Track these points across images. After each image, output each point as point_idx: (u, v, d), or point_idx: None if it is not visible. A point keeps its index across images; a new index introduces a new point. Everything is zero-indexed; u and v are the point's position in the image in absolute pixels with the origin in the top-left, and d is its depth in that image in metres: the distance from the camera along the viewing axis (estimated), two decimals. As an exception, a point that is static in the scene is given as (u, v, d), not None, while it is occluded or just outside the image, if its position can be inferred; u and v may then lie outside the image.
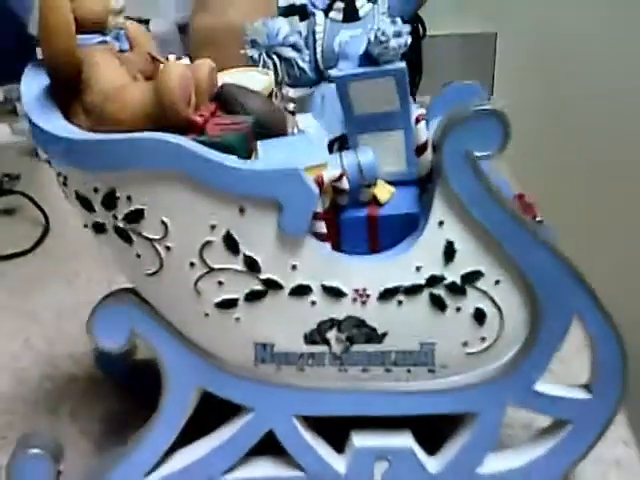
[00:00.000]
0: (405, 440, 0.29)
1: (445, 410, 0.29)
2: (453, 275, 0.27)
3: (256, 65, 0.34)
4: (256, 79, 0.31)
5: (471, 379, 0.28)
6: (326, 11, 0.43)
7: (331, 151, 0.31)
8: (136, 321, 0.28)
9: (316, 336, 0.27)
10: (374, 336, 0.27)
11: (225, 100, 0.28)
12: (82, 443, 0.36)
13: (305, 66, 0.32)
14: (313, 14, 0.40)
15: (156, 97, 0.24)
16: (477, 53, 1.06)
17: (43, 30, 0.24)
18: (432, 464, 0.29)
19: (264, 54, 0.32)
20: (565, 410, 0.28)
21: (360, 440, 0.29)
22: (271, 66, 0.32)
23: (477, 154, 0.25)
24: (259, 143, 0.26)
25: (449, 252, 0.26)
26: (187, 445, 0.31)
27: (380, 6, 0.43)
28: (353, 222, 0.27)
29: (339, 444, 0.30)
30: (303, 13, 0.47)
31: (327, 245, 0.27)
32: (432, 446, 0.30)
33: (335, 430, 0.30)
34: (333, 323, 0.27)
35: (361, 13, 0.44)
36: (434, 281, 0.27)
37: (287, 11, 0.48)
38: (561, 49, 1.04)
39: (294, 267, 0.26)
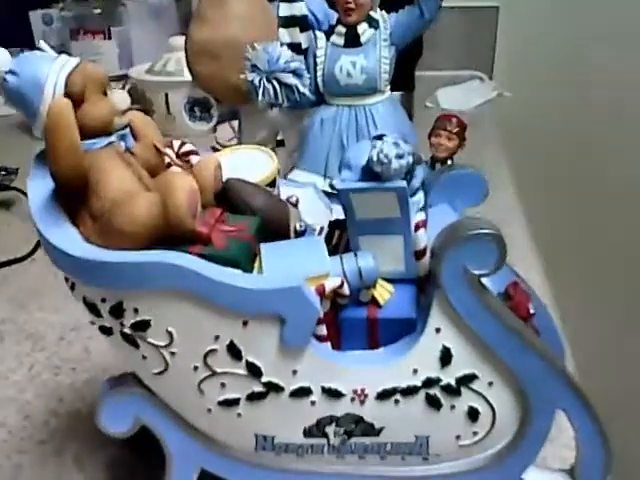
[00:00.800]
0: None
1: (437, 495, 0.30)
2: (449, 377, 0.28)
3: (256, 90, 0.34)
4: (260, 163, 0.31)
5: (462, 467, 0.30)
6: (327, 34, 0.44)
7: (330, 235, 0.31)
8: (141, 409, 0.29)
9: (315, 431, 0.28)
10: (371, 431, 0.28)
11: (230, 197, 0.28)
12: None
13: (305, 91, 0.32)
14: (315, 36, 0.40)
15: (163, 211, 0.25)
16: (479, 26, 1.05)
17: (49, 148, 0.24)
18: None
19: (264, 79, 0.33)
20: (551, 500, 0.30)
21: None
22: (271, 91, 0.32)
23: (474, 272, 0.25)
24: (263, 248, 0.27)
25: (445, 357, 0.27)
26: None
27: (382, 32, 0.45)
28: (353, 323, 0.28)
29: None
30: (304, 24, 0.47)
31: (327, 345, 0.28)
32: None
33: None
34: (332, 419, 0.28)
35: (363, 39, 0.44)
36: (430, 383, 0.28)
37: (288, 22, 0.48)
38: (563, 23, 1.02)
39: (295, 372, 0.27)
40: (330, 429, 0.28)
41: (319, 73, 0.43)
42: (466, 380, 0.28)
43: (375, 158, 0.25)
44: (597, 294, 1.09)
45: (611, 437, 0.29)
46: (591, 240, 1.09)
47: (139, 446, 0.39)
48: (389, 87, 0.47)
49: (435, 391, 0.28)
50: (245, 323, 0.25)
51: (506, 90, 0.97)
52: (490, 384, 0.28)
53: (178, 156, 0.31)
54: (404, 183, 0.26)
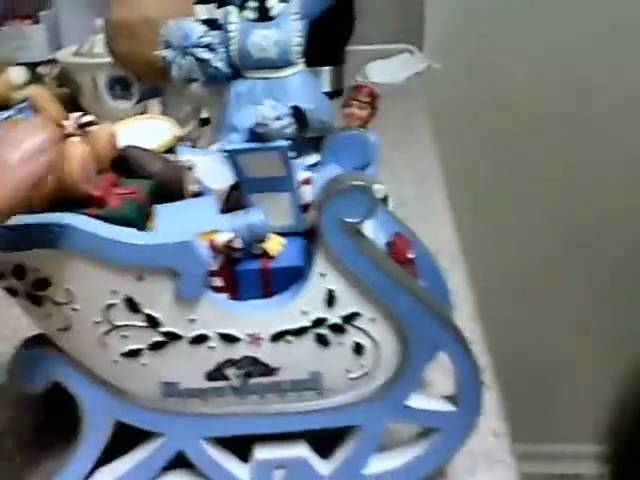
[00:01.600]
0: (300, 451, 0.34)
1: (332, 425, 0.33)
2: (335, 317, 0.31)
3: (171, 66, 0.34)
4: (159, 131, 0.33)
5: (353, 398, 0.33)
6: (240, 8, 0.44)
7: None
8: (53, 366, 0.31)
9: (216, 374, 0.31)
10: (268, 371, 0.31)
11: (127, 164, 0.30)
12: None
13: (220, 65, 0.33)
14: (227, 11, 0.41)
15: (59, 177, 0.26)
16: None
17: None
18: (324, 468, 0.34)
19: (178, 55, 0.33)
20: (433, 421, 0.34)
21: (261, 453, 0.34)
22: (186, 66, 0.33)
23: (348, 220, 0.28)
24: (157, 209, 0.29)
25: (330, 298, 0.30)
26: (108, 464, 0.34)
27: (292, 5, 0.45)
28: (248, 274, 0.30)
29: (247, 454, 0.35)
30: (220, 0, 0.47)
31: (223, 296, 0.30)
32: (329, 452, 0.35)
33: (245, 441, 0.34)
34: (231, 363, 0.31)
35: (274, 13, 0.45)
36: (318, 323, 0.30)
37: None
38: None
39: (192, 320, 0.29)
40: (230, 372, 0.31)
41: (233, 47, 0.43)
42: (350, 318, 0.31)
43: (257, 121, 0.28)
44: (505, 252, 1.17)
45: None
46: (504, 205, 1.15)
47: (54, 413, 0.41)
48: (302, 60, 0.49)
49: (323, 330, 0.31)
50: (140, 278, 0.27)
51: (436, 62, 0.99)
52: (372, 320, 0.31)
53: (79, 127, 0.32)
54: (285, 143, 0.28)
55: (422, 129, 0.79)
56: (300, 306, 0.30)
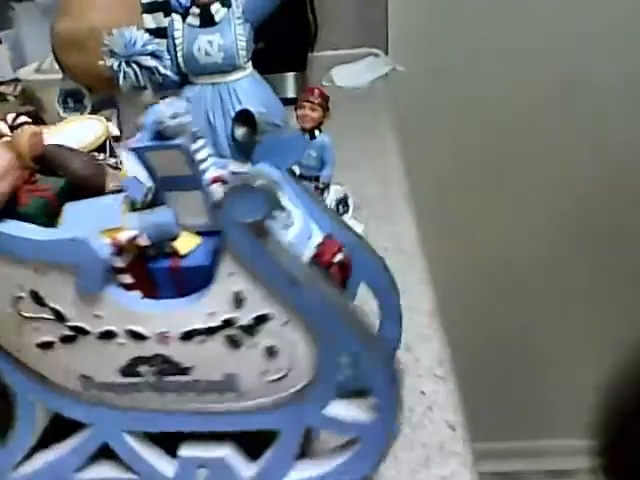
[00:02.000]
0: (223, 451, 0.34)
1: (251, 427, 0.33)
2: (244, 318, 0.30)
3: (117, 75, 0.35)
4: (89, 128, 0.34)
5: (272, 402, 0.32)
6: (184, 16, 0.45)
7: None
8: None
9: (129, 370, 0.31)
10: (180, 370, 0.31)
11: (49, 162, 0.31)
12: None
13: (167, 72, 0.34)
14: (172, 18, 0.41)
15: None
16: (370, 3, 1.04)
17: None
18: (247, 471, 0.34)
19: (123, 63, 0.33)
20: (350, 430, 0.33)
21: (185, 450, 0.34)
22: (132, 75, 0.33)
23: (248, 220, 0.28)
24: (66, 207, 0.30)
25: (238, 299, 0.30)
26: (47, 447, 0.36)
27: (235, 10, 0.46)
28: (157, 272, 0.31)
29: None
30: (167, 9, 0.48)
31: (136, 294, 0.30)
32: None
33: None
34: (142, 360, 0.31)
35: (217, 18, 0.46)
36: (228, 324, 0.30)
37: (151, 8, 0.49)
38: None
39: (98, 316, 0.30)
40: (143, 369, 0.31)
41: (179, 54, 0.44)
42: (262, 320, 0.30)
43: (155, 119, 0.28)
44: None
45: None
46: (466, 205, 1.15)
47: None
48: (250, 63, 0.49)
49: (234, 331, 0.30)
50: (43, 272, 0.28)
51: (400, 64, 1.00)
52: (285, 323, 0.30)
53: (13, 128, 0.34)
54: (181, 141, 0.28)
55: (387, 131, 0.80)
56: (208, 306, 0.30)
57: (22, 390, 0.33)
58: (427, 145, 1.06)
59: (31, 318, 0.30)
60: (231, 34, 0.45)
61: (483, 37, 1.04)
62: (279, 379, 0.32)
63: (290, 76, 0.84)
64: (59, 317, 0.30)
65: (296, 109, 0.48)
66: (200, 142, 0.30)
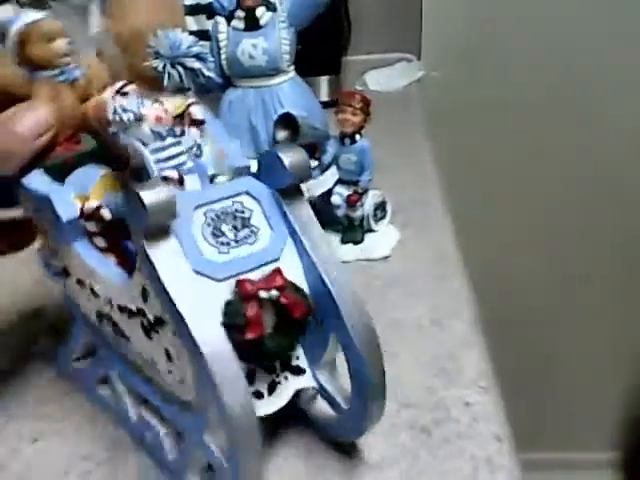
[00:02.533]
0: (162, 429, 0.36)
1: (169, 417, 0.34)
2: (150, 313, 0.31)
3: (162, 76, 0.35)
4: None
5: (181, 401, 0.33)
6: (228, 19, 0.44)
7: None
8: None
9: (100, 320, 0.36)
10: (125, 337, 0.34)
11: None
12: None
13: (210, 74, 0.35)
14: (216, 21, 0.41)
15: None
16: (404, 7, 1.02)
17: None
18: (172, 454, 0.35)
19: (168, 65, 0.34)
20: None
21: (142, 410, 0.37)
22: (176, 76, 0.33)
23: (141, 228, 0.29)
24: (79, 169, 0.35)
25: (144, 294, 0.31)
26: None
27: (280, 14, 0.46)
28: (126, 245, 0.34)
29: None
30: (210, 11, 0.46)
31: (108, 257, 0.35)
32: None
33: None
34: (103, 315, 0.35)
35: (262, 22, 0.46)
36: (140, 312, 0.32)
37: (193, 10, 0.50)
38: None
39: (70, 265, 0.35)
40: (105, 322, 0.36)
41: (223, 57, 0.45)
42: (159, 322, 0.31)
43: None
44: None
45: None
46: (503, 209, 1.11)
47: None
48: (293, 67, 0.48)
49: (145, 321, 0.32)
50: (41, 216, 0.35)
51: (433, 70, 0.99)
52: (174, 334, 0.30)
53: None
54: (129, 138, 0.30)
55: (420, 136, 0.79)
56: (130, 290, 0.32)
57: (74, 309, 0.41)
58: (460, 150, 1.03)
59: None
60: (275, 38, 0.45)
61: (520, 42, 1.01)
62: (180, 382, 0.32)
63: (324, 80, 0.84)
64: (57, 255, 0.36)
65: (336, 113, 0.48)
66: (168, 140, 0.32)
